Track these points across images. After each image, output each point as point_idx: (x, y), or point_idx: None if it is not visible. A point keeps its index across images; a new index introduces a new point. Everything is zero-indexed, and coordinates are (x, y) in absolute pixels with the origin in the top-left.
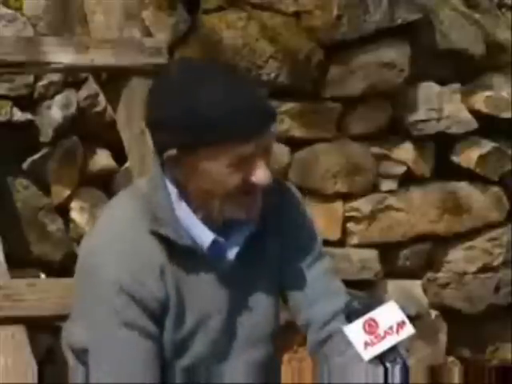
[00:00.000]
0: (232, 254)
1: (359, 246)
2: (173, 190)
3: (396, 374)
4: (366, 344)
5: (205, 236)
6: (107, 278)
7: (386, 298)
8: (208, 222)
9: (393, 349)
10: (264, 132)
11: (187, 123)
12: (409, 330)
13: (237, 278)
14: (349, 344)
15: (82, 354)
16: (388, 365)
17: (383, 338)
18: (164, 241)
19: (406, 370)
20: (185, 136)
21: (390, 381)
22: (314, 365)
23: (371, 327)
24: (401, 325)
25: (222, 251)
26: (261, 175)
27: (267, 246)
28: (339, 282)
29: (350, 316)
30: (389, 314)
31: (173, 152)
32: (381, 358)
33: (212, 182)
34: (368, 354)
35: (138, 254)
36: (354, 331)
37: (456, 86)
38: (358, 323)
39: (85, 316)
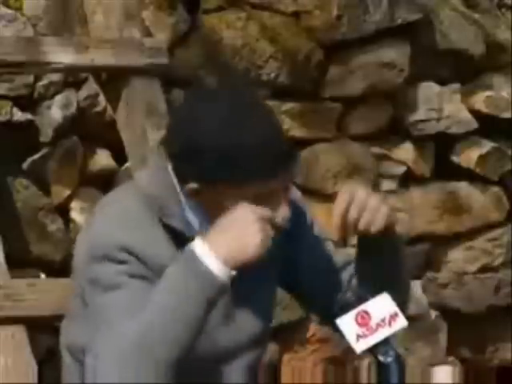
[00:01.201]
0: None
1: None
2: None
3: (391, 369)
4: (359, 336)
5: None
6: (116, 243)
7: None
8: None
9: (385, 341)
10: (286, 170)
11: (208, 158)
12: (402, 322)
13: (239, 275)
14: None
15: (78, 353)
16: (380, 357)
17: (375, 330)
18: (171, 232)
19: (399, 363)
20: (205, 171)
21: (383, 375)
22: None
23: (363, 319)
24: (393, 317)
25: None
26: (281, 214)
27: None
28: (339, 256)
29: (343, 308)
30: (381, 305)
31: (194, 186)
32: (373, 351)
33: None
34: (360, 347)
35: (147, 230)
36: (347, 323)
37: (456, 86)
38: (351, 315)
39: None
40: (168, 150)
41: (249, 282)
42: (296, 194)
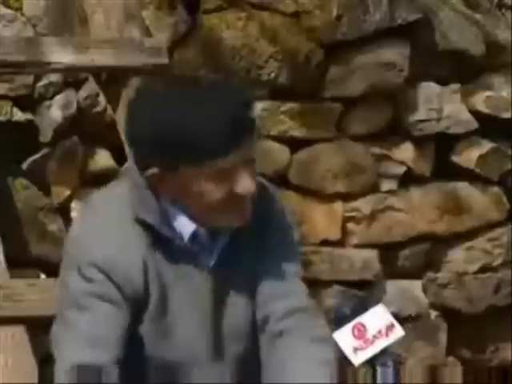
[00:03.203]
0: (216, 251)
1: (359, 246)
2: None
3: (387, 376)
4: (356, 349)
5: (186, 226)
6: (88, 259)
7: (385, 298)
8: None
9: (383, 352)
10: (241, 144)
11: (164, 143)
12: (398, 332)
13: (221, 276)
14: (299, 341)
15: None
16: (379, 368)
17: (372, 342)
18: (147, 228)
19: (396, 372)
20: (164, 155)
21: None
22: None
23: (360, 332)
24: (390, 327)
25: (206, 247)
26: (244, 185)
27: (248, 245)
28: (302, 284)
29: (339, 321)
30: (377, 317)
31: (154, 170)
32: (371, 362)
33: (197, 198)
34: (358, 359)
35: (121, 240)
36: (343, 336)
37: (456, 86)
38: (347, 328)
39: (61, 289)
40: (129, 139)
41: (228, 278)
42: (275, 192)
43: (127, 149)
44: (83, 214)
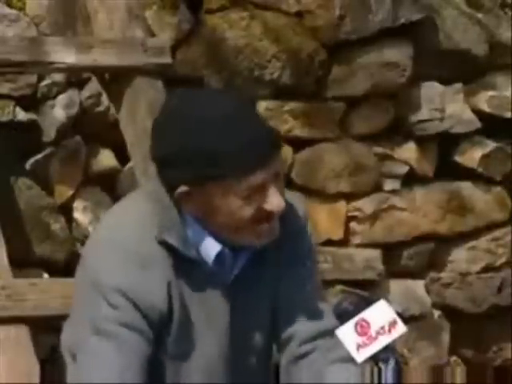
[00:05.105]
0: (237, 268)
1: (362, 245)
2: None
3: (388, 373)
4: (359, 346)
5: (211, 247)
6: (113, 283)
7: (388, 298)
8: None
9: (385, 348)
10: (269, 160)
11: (192, 160)
12: (401, 328)
13: (239, 293)
14: (324, 364)
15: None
16: (381, 364)
17: (375, 338)
18: (171, 250)
19: (398, 369)
20: (192, 173)
21: (383, 381)
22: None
23: (363, 328)
24: (392, 324)
25: (227, 266)
26: (274, 202)
27: (268, 260)
28: (326, 305)
29: (341, 317)
30: (380, 313)
31: (183, 189)
32: (374, 358)
33: (226, 215)
34: (361, 356)
35: (146, 263)
36: (346, 333)
37: (459, 85)
38: (350, 325)
39: (81, 316)
40: (155, 156)
41: (250, 297)
42: (299, 206)
43: (155, 169)
44: (105, 229)
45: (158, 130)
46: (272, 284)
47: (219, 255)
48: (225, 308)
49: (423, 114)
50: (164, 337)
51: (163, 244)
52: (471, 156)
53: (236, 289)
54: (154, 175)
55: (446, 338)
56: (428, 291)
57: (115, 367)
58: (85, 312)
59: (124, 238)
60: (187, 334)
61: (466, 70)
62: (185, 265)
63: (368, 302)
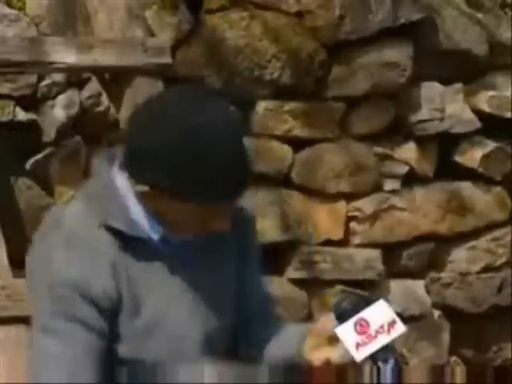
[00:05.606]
0: (186, 248)
1: (362, 245)
2: (124, 190)
3: (387, 373)
4: (358, 345)
5: (154, 229)
6: (57, 277)
7: (388, 298)
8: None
9: (384, 348)
10: (236, 199)
11: (163, 173)
12: (400, 328)
13: (192, 264)
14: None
15: None
16: (380, 364)
17: (375, 337)
18: (115, 233)
19: (398, 369)
20: (159, 182)
21: (382, 381)
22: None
23: (362, 327)
24: (392, 324)
25: (174, 243)
26: (220, 224)
27: (224, 237)
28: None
29: (341, 317)
30: (379, 313)
31: (144, 189)
32: (373, 358)
33: (176, 219)
34: (360, 355)
35: (88, 250)
36: (346, 332)
37: (459, 85)
38: (349, 324)
39: (33, 308)
40: (128, 149)
41: (205, 265)
42: (253, 221)
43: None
44: (45, 230)
45: (140, 122)
46: (230, 251)
47: (164, 238)
48: (182, 281)
49: (423, 113)
50: (118, 316)
51: (107, 228)
52: (471, 156)
53: (189, 260)
54: (103, 156)
55: (445, 338)
56: (428, 291)
57: (63, 365)
58: (34, 306)
59: (66, 232)
60: (141, 312)
61: (466, 70)
62: (131, 245)
63: (367, 302)
